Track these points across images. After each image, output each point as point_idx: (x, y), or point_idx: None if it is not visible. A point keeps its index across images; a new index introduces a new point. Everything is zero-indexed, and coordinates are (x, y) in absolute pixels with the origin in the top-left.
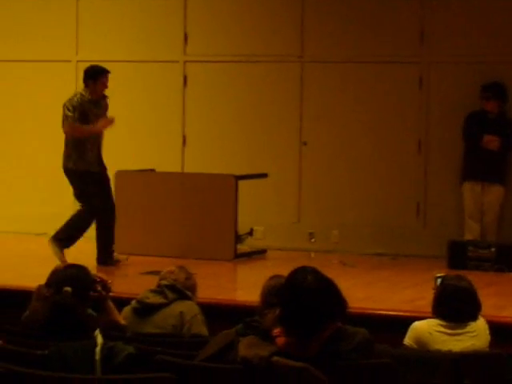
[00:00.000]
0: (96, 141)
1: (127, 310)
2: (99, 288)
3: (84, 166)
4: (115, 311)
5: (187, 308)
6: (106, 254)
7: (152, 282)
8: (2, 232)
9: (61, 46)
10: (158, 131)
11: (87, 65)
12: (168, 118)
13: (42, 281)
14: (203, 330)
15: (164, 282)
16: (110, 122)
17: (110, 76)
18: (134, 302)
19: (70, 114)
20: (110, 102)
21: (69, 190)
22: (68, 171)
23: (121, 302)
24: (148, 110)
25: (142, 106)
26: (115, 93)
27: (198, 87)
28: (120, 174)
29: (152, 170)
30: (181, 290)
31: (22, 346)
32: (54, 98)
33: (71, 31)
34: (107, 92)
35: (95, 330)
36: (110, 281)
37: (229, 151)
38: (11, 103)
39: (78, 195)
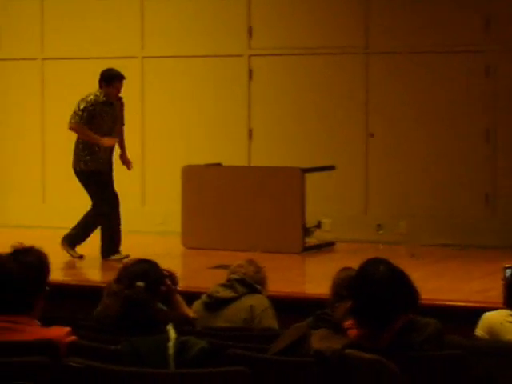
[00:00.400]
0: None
1: (197, 304)
2: (168, 282)
3: (95, 166)
4: (184, 304)
5: (257, 302)
6: (110, 248)
7: (221, 276)
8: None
9: (127, 42)
10: (224, 125)
11: (153, 61)
12: (234, 112)
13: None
14: (274, 323)
15: (234, 276)
16: (114, 142)
17: (178, 70)
18: (204, 297)
19: (79, 113)
20: (178, 96)
21: (135, 185)
22: (78, 172)
23: (190, 297)
24: (214, 105)
25: (208, 101)
26: (181, 88)
27: (263, 80)
28: (187, 169)
29: (219, 165)
30: (251, 284)
31: (95, 341)
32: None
33: (137, 27)
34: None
35: (167, 324)
36: (177, 274)
37: (295, 144)
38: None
39: (91, 195)
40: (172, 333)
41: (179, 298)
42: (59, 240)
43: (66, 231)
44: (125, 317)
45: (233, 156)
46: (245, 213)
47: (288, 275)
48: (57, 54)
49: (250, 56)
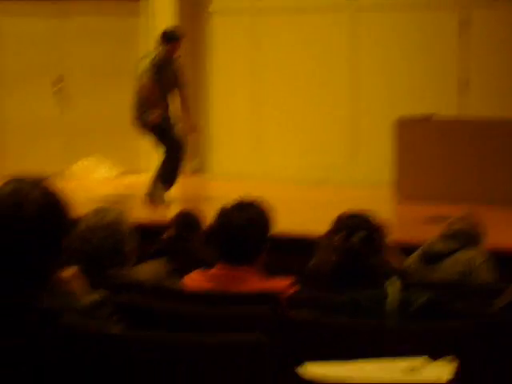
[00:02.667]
0: (166, 97)
1: (414, 256)
2: (380, 234)
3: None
4: (396, 256)
5: (475, 254)
6: (157, 189)
7: (438, 228)
8: (287, 179)
9: None
10: (435, 76)
11: (363, 14)
12: (446, 63)
13: (325, 228)
14: (492, 276)
15: (451, 229)
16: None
17: (386, 24)
18: (420, 249)
19: (151, 69)
20: (392, 50)
21: (347, 137)
22: (149, 126)
23: (405, 249)
24: (424, 56)
25: (419, 53)
26: (393, 41)
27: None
28: (400, 121)
29: (432, 115)
30: (469, 237)
31: (313, 293)
32: (329, 47)
33: None
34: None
35: (385, 276)
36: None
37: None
38: (293, 53)
39: (159, 141)
40: (393, 286)
41: (391, 250)
42: (272, 190)
43: (278, 182)
44: (344, 269)
45: (444, 107)
46: (460, 164)
47: (505, 228)
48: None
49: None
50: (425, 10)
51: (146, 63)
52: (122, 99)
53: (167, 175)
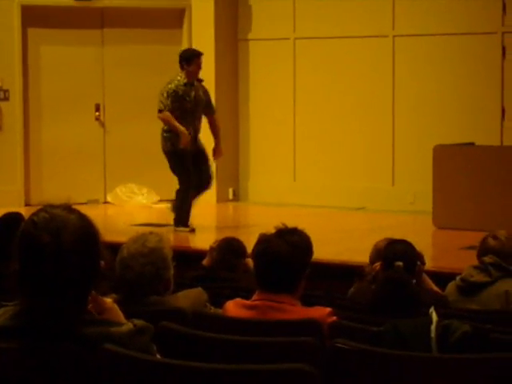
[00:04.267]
0: (192, 121)
1: (451, 286)
2: (418, 263)
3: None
4: (432, 284)
5: None
6: (180, 218)
7: (474, 257)
8: (324, 207)
9: (378, 21)
10: (477, 104)
11: (403, 39)
12: (486, 91)
13: (365, 256)
14: None
15: (488, 260)
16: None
17: (425, 50)
18: (458, 279)
19: (164, 101)
20: (428, 74)
21: (386, 164)
22: (166, 153)
23: (440, 277)
24: (466, 83)
25: (460, 79)
26: (431, 65)
27: None
28: (439, 148)
29: (471, 144)
30: (506, 267)
31: (354, 321)
32: (369, 73)
33: (388, 5)
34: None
35: (424, 305)
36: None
37: None
38: (332, 79)
39: (173, 171)
40: (434, 315)
41: (427, 278)
42: (310, 218)
43: (316, 209)
44: (385, 297)
45: (485, 136)
46: (497, 192)
47: None
48: (308, 33)
49: (503, 33)
50: (468, 35)
51: (167, 89)
52: (161, 126)
53: (176, 206)
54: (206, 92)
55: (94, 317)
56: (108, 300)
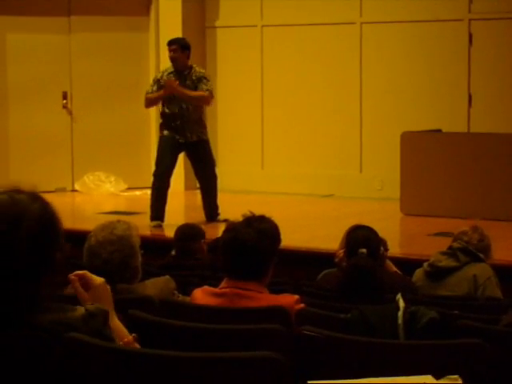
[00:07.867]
0: (179, 110)
1: (419, 272)
2: (382, 248)
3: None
4: (394, 269)
5: (481, 271)
6: (211, 212)
7: (441, 243)
8: (292, 194)
9: (346, 8)
10: (444, 91)
11: (371, 26)
12: (453, 78)
13: (333, 243)
14: (498, 292)
15: (456, 245)
16: (170, 84)
17: (393, 37)
18: (425, 265)
19: (148, 89)
20: (396, 61)
21: (354, 151)
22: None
23: (408, 264)
24: (433, 70)
25: (427, 66)
26: (401, 52)
27: (483, 45)
28: (406, 135)
29: (439, 131)
30: (473, 253)
31: (321, 308)
32: (337, 60)
33: None
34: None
35: (391, 291)
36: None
37: None
38: (300, 66)
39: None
40: (401, 302)
41: (391, 264)
42: (278, 205)
43: (284, 197)
44: (350, 284)
45: (452, 122)
46: (465, 179)
47: (510, 244)
48: (276, 20)
49: (470, 20)
50: (435, 22)
51: (155, 76)
52: (129, 114)
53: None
54: (196, 80)
55: (49, 304)
56: (98, 279)
